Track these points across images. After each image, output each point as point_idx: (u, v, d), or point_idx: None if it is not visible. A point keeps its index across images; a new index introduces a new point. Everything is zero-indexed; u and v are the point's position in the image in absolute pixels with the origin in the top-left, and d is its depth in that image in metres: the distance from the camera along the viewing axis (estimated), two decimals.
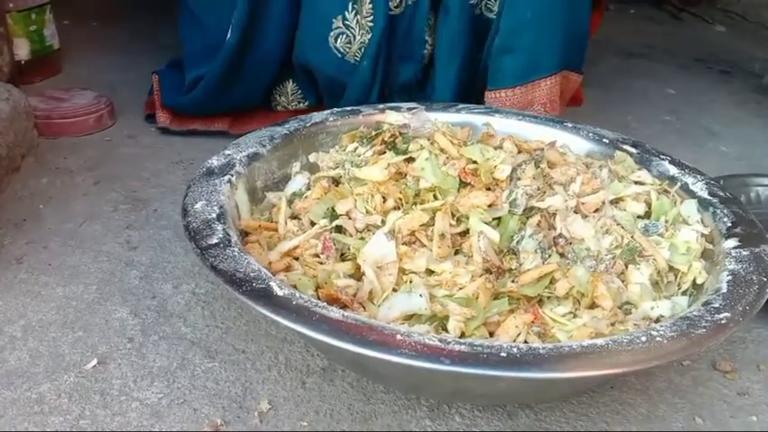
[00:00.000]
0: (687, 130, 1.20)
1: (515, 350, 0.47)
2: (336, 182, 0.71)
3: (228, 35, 0.96)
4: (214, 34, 0.98)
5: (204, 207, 0.62)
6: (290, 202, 0.71)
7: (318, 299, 0.56)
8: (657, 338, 0.49)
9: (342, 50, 0.97)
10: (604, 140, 0.81)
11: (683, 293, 0.63)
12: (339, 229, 0.64)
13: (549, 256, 0.62)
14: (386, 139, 0.74)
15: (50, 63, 1.23)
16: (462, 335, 0.55)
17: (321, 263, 0.62)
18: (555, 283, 0.60)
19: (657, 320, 0.59)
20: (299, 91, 1.06)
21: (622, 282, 0.62)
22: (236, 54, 0.97)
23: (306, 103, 1.06)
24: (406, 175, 0.68)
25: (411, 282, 0.59)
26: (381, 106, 0.85)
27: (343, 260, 0.62)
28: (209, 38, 1.00)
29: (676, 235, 0.66)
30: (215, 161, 0.70)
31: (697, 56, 1.58)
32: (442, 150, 0.71)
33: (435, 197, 0.66)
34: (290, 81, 1.05)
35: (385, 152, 0.72)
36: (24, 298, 0.69)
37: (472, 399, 0.59)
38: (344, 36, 0.96)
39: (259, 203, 0.72)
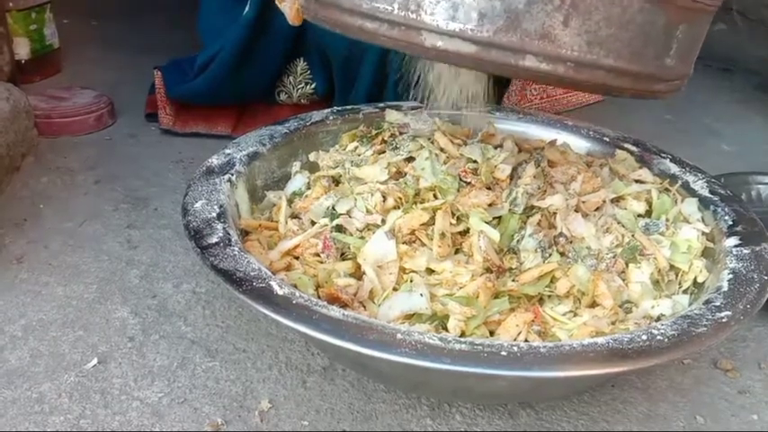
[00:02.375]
0: (688, 128, 1.20)
1: (516, 349, 0.47)
2: (336, 181, 0.71)
3: (246, 9, 0.95)
4: (234, 16, 0.97)
5: (204, 206, 0.62)
6: (290, 202, 0.71)
7: (319, 298, 0.56)
8: (658, 337, 0.49)
9: None
10: (605, 139, 0.81)
11: (684, 292, 0.63)
12: (339, 229, 0.64)
13: (550, 255, 0.62)
14: (386, 138, 0.74)
15: (50, 62, 1.23)
16: (462, 334, 0.55)
17: (321, 262, 0.62)
18: (555, 281, 0.60)
19: (658, 319, 0.59)
20: (309, 71, 1.04)
21: (623, 280, 0.62)
22: (252, 30, 0.95)
23: (313, 86, 1.04)
24: (406, 174, 0.68)
25: (411, 281, 0.59)
26: (382, 105, 0.85)
27: (343, 259, 0.62)
28: (229, 21, 0.98)
29: (677, 233, 0.66)
30: (215, 160, 0.69)
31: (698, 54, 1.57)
32: (442, 150, 0.71)
33: (435, 196, 0.65)
34: (301, 59, 1.03)
35: (385, 151, 0.72)
36: (25, 297, 0.69)
37: (473, 398, 0.59)
38: None
39: (259, 202, 0.72)
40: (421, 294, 0.56)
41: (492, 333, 0.56)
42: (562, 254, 0.62)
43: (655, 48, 0.45)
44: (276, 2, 0.58)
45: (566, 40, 0.42)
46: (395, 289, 0.58)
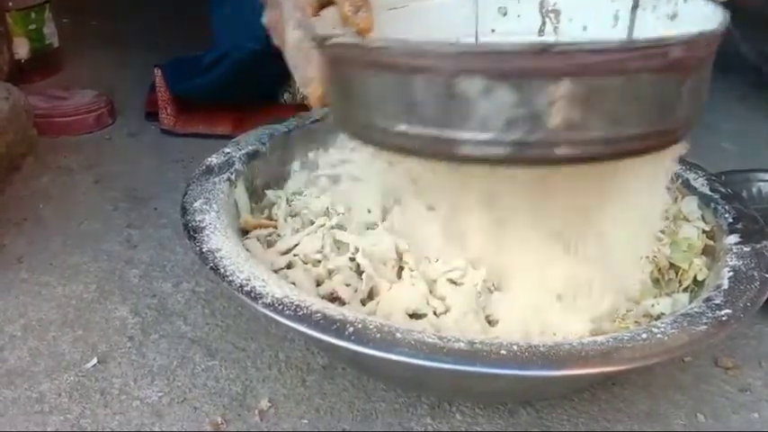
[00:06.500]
0: None
1: (515, 348, 0.47)
2: (336, 180, 0.71)
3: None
4: (251, 12, 0.96)
5: (203, 205, 0.61)
6: (289, 201, 0.70)
7: (318, 296, 0.55)
8: (658, 335, 0.49)
9: None
10: None
11: (684, 290, 0.62)
12: (339, 227, 0.64)
13: None
14: None
15: (50, 62, 1.23)
16: (463, 332, 0.55)
17: (320, 260, 0.62)
18: None
19: (658, 317, 0.59)
20: None
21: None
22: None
23: None
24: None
25: (411, 278, 0.58)
26: None
27: (342, 257, 0.62)
28: (245, 18, 0.97)
29: (677, 232, 0.66)
30: (214, 159, 0.69)
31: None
32: None
33: None
34: None
35: None
36: (25, 297, 0.69)
37: (473, 396, 0.59)
38: None
39: (258, 201, 0.72)
40: (421, 292, 0.56)
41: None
42: None
43: (671, 105, 0.49)
44: (300, 87, 0.58)
45: (590, 124, 0.45)
46: (394, 287, 0.58)
